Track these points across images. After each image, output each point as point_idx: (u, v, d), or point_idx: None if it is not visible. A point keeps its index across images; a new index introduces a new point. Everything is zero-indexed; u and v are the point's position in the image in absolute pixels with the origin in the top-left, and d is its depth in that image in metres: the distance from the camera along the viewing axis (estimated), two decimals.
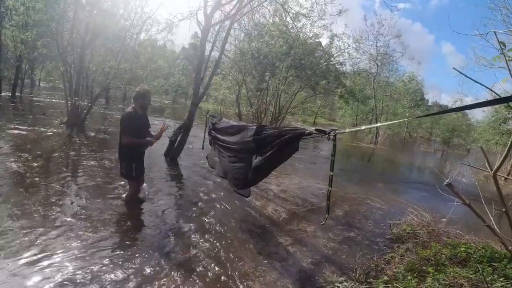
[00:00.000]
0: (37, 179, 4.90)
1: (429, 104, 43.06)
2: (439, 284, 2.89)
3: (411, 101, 30.09)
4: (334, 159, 2.53)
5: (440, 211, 5.89)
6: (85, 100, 10.47)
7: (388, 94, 29.67)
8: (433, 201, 8.16)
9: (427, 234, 4.73)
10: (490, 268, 3.30)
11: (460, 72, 2.26)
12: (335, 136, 2.50)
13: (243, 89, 17.05)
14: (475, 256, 3.74)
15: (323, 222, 2.72)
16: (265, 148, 3.36)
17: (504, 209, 1.57)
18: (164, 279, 2.92)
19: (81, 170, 5.75)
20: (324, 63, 17.56)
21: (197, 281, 2.99)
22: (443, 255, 3.80)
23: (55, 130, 9.00)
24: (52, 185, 4.73)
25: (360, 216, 5.74)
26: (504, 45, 1.63)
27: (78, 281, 2.70)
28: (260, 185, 6.33)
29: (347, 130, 2.54)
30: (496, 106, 18.33)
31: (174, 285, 2.87)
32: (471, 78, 2.09)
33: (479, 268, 2.96)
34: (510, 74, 1.57)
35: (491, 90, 2.08)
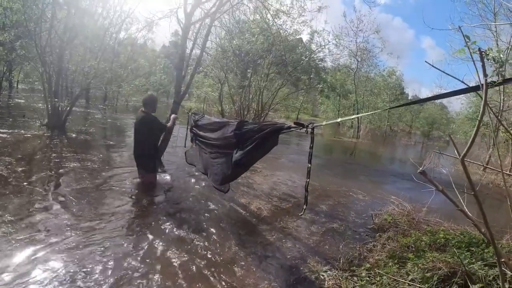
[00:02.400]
0: (24, 183, 4.81)
1: (409, 98, 43.80)
2: (418, 268, 3.00)
3: (391, 96, 30.61)
4: (312, 151, 2.60)
5: (420, 200, 6.05)
6: (65, 101, 10.26)
7: (368, 89, 30.07)
8: (413, 191, 8.36)
9: (407, 222, 4.88)
10: (468, 253, 3.44)
11: (432, 65, 2.37)
12: (313, 129, 2.57)
13: (225, 86, 17.05)
14: (453, 242, 3.89)
15: (302, 213, 2.82)
16: (245, 143, 3.41)
17: (473, 193, 1.66)
18: (142, 277, 2.96)
19: (65, 173, 5.65)
20: (306, 59, 17.70)
21: (179, 278, 3.03)
22: (422, 242, 3.94)
23: (35, 132, 8.84)
24: (37, 188, 4.67)
25: (342, 208, 5.86)
26: (469, 38, 1.72)
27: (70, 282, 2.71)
28: (244, 182, 6.39)
29: (324, 123, 2.63)
30: (474, 98, 18.88)
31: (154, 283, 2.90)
32: (441, 70, 2.19)
33: (456, 252, 3.09)
34: (474, 65, 1.67)
35: (462, 81, 2.19)
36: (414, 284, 2.76)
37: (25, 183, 4.79)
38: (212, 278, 3.07)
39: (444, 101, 38.88)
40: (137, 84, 19.69)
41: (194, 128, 5.32)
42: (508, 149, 14.51)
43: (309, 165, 2.68)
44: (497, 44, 14.24)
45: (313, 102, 39.01)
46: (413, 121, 37.29)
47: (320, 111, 39.22)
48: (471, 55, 1.72)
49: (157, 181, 5.62)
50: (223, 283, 3.01)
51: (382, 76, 31.39)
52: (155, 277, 2.95)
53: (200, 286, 2.92)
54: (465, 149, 1.74)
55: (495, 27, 13.98)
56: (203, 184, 6.02)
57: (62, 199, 4.41)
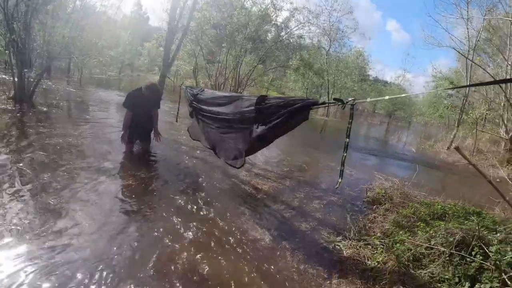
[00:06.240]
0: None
1: (371, 78, 44.84)
2: (435, 233, 3.25)
3: (358, 76, 31.46)
4: (351, 126, 2.69)
5: (398, 175, 6.47)
6: (32, 72, 9.54)
7: (339, 69, 30.54)
8: (386, 166, 8.99)
9: (399, 196, 5.16)
10: (467, 221, 3.75)
11: (476, 63, 2.47)
12: (353, 105, 2.66)
13: (200, 60, 16.64)
14: (450, 212, 4.20)
15: (337, 186, 2.93)
16: (269, 118, 3.39)
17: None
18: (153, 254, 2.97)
19: (47, 151, 5.00)
20: (285, 36, 17.62)
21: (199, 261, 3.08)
22: (422, 212, 4.22)
23: (2, 106, 8.19)
24: (25, 170, 4.19)
25: (335, 183, 6.03)
26: None
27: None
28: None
29: (368, 100, 2.71)
30: (441, 82, 19.99)
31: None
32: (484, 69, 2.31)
33: (475, 220, 3.39)
34: None
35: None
36: (434, 247, 3.00)
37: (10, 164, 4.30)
38: (236, 255, 3.08)
39: (406, 84, 40.29)
40: (112, 56, 18.64)
41: (194, 102, 5.17)
42: (470, 130, 15.55)
43: (347, 139, 2.79)
44: (468, 31, 15.03)
45: (280, 79, 39.05)
46: (377, 101, 38.51)
47: (288, 89, 39.40)
48: None
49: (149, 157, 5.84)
50: (248, 260, 3.07)
51: (349, 57, 32.05)
52: (172, 253, 2.97)
53: (227, 264, 2.98)
54: None
55: (467, 15, 14.81)
56: (197, 160, 5.99)
57: (50, 181, 3.99)
